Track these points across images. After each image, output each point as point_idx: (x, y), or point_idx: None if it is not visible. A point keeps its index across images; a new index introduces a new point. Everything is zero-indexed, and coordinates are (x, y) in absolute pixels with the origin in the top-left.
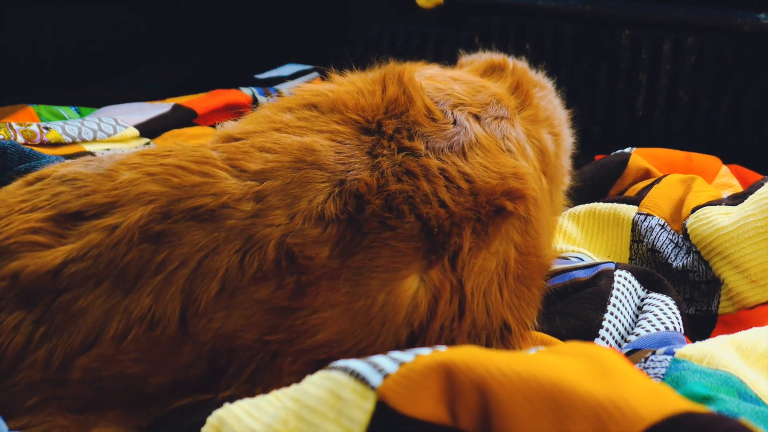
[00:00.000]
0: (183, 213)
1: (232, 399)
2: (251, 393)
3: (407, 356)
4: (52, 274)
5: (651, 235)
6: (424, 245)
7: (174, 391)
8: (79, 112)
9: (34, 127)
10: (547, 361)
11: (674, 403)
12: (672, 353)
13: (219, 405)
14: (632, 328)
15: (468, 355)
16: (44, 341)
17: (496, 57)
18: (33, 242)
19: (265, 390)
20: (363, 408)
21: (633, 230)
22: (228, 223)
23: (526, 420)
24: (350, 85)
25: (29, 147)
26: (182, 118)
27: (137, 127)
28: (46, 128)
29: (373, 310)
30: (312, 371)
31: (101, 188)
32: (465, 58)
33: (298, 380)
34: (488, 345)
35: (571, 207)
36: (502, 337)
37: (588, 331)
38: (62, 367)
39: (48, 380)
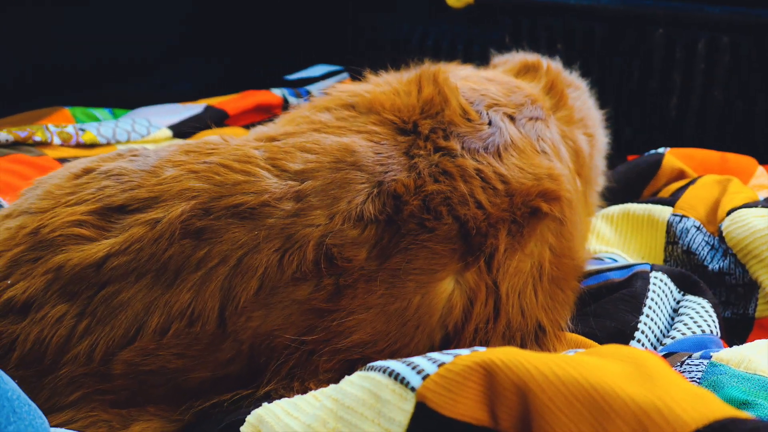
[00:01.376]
0: (224, 210)
1: (271, 394)
2: (289, 388)
3: (446, 357)
4: (94, 267)
5: (686, 236)
6: (461, 247)
7: (214, 387)
8: (112, 114)
9: (70, 129)
10: (587, 363)
11: (718, 408)
12: (709, 357)
13: (259, 403)
14: (668, 331)
15: (508, 356)
16: (86, 335)
17: (530, 57)
18: (77, 235)
19: (302, 385)
20: (403, 409)
21: (668, 232)
22: (268, 222)
23: (567, 423)
24: (386, 86)
25: (65, 147)
26: (214, 119)
27: (170, 128)
28: (82, 129)
29: (408, 312)
30: (347, 370)
31: (145, 183)
32: (498, 59)
33: (334, 377)
34: (522, 346)
35: (604, 208)
36: (537, 339)
37: (623, 333)
38: (104, 360)
39: (91, 374)
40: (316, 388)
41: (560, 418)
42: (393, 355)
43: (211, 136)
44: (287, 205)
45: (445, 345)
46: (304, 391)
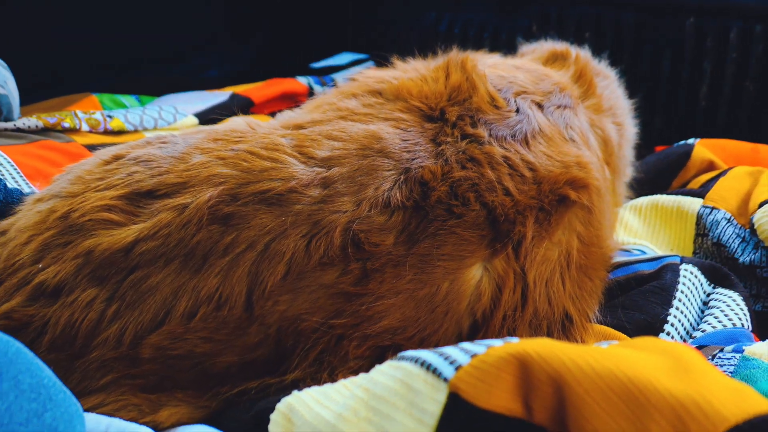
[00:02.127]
0: (251, 196)
1: (298, 382)
2: (317, 375)
3: (478, 348)
4: (123, 252)
5: (717, 229)
6: (489, 233)
7: (242, 372)
8: (139, 101)
9: (98, 116)
10: (624, 356)
11: (758, 403)
12: (741, 351)
13: (286, 389)
14: (698, 324)
15: (543, 348)
16: (116, 319)
17: (559, 46)
18: (106, 220)
19: (332, 373)
20: (435, 400)
21: (697, 224)
22: (295, 208)
23: (604, 416)
24: (413, 72)
25: (93, 134)
26: (240, 106)
27: (196, 115)
28: (110, 116)
29: (437, 298)
30: (377, 356)
31: (174, 169)
32: (526, 47)
33: (364, 364)
34: (549, 335)
35: (632, 199)
36: (564, 328)
37: (652, 325)
38: (133, 344)
39: (120, 358)
40: (344, 377)
41: (597, 411)
42: (422, 342)
43: (236, 119)
44: (314, 191)
45: (473, 333)
46: (332, 380)
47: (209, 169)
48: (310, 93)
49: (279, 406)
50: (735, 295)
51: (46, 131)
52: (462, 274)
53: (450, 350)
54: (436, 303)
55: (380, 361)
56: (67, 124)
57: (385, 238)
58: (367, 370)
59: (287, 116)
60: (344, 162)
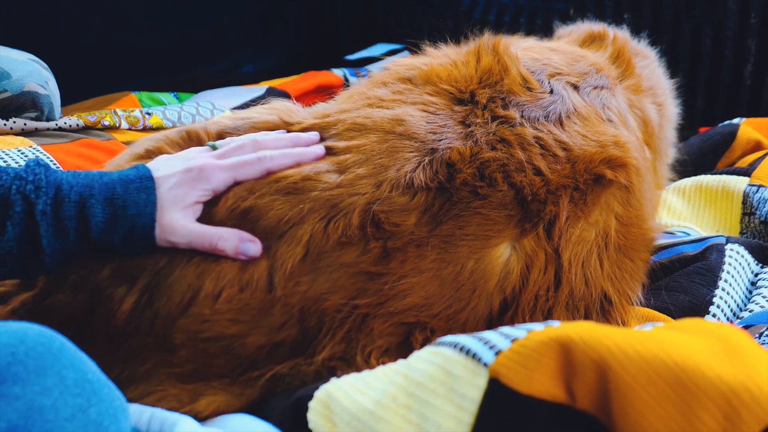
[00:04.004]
0: (266, 186)
1: (328, 361)
2: (347, 355)
3: (519, 332)
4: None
5: (765, 207)
6: (518, 213)
7: (272, 354)
8: (177, 98)
9: (137, 113)
10: (670, 339)
11: None
12: None
13: (319, 372)
14: (745, 305)
15: (586, 332)
16: (147, 307)
17: (596, 27)
18: None
19: (363, 351)
20: (476, 385)
21: (744, 203)
22: (312, 195)
23: (651, 402)
24: (444, 58)
25: (133, 131)
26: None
27: (233, 110)
28: (148, 114)
29: (462, 276)
30: (403, 333)
31: None
32: (562, 29)
33: (393, 341)
34: (587, 317)
35: (676, 180)
36: (602, 309)
37: (698, 307)
38: (165, 329)
39: (155, 345)
40: (375, 356)
41: (643, 397)
42: (450, 319)
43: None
44: (331, 177)
45: (504, 310)
46: (364, 359)
47: None
48: (346, 85)
49: (317, 393)
50: None
51: (86, 130)
52: (488, 253)
53: (489, 335)
54: (462, 281)
55: (407, 337)
56: (107, 122)
57: (406, 218)
58: (396, 347)
59: (320, 107)
60: (364, 148)
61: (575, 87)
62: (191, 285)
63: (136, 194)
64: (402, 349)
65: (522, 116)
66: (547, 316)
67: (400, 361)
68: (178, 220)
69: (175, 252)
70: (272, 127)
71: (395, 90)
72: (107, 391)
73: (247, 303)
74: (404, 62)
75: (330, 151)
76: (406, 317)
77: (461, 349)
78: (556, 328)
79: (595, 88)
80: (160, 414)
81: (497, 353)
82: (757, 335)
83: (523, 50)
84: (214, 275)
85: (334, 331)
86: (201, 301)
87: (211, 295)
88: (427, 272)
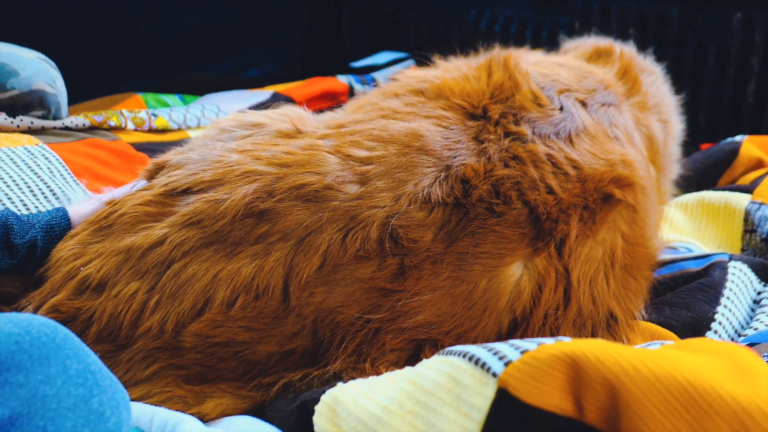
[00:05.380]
0: (287, 191)
1: (340, 373)
2: (358, 366)
3: (529, 344)
4: (160, 244)
5: (766, 224)
6: (531, 232)
7: (282, 363)
8: (183, 100)
9: (143, 114)
10: (682, 359)
11: None
12: None
13: (330, 382)
14: (747, 323)
15: (598, 349)
16: (158, 308)
17: (602, 42)
18: (145, 214)
19: (373, 363)
20: (483, 395)
21: (746, 220)
22: (332, 204)
23: (662, 420)
24: (455, 71)
25: (138, 132)
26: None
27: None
28: (154, 115)
29: (475, 295)
30: (413, 348)
31: (210, 168)
32: (569, 43)
33: (402, 356)
34: (593, 335)
35: (678, 196)
36: (608, 327)
37: (700, 323)
38: (175, 333)
39: (163, 348)
40: (385, 368)
41: (655, 415)
42: (459, 338)
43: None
44: (351, 188)
45: (512, 330)
46: (375, 372)
47: (244, 167)
48: (350, 91)
49: (324, 397)
50: None
51: (93, 129)
52: (501, 271)
53: (499, 346)
54: (474, 300)
55: (417, 352)
56: (113, 122)
57: (423, 234)
58: (406, 361)
59: (330, 116)
60: (384, 160)
61: (584, 104)
62: (205, 290)
63: None
64: (411, 364)
65: (533, 132)
66: (556, 334)
67: (408, 368)
68: None
69: (184, 245)
70: (285, 136)
71: (408, 102)
72: (109, 382)
73: (261, 311)
74: (415, 74)
75: (349, 160)
76: (417, 333)
77: (470, 358)
78: (567, 343)
79: (603, 105)
80: (163, 413)
81: (507, 364)
82: (765, 354)
83: (533, 65)
84: (228, 279)
85: (346, 344)
86: (215, 308)
87: (225, 302)
88: (440, 290)
